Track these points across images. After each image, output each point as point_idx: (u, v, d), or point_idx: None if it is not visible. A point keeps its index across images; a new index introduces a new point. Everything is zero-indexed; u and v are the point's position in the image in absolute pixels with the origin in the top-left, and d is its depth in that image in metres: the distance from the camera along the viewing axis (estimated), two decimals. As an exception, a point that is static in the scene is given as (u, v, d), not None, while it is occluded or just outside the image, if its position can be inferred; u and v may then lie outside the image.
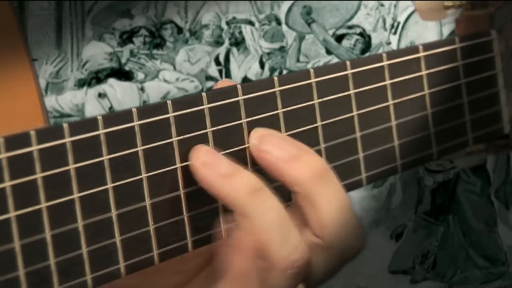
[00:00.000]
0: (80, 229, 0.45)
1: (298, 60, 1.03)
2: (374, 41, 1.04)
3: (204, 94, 0.50)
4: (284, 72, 1.03)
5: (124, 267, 0.47)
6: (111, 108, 0.99)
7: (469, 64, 0.62)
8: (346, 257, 0.55)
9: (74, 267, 0.45)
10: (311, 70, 0.55)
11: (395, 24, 1.04)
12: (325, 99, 0.55)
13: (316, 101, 0.55)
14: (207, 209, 0.50)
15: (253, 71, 1.02)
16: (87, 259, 0.46)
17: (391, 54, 0.58)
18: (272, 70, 1.02)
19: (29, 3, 0.96)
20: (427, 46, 0.60)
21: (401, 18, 1.04)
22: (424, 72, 0.60)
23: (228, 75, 1.02)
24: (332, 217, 0.53)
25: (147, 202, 0.48)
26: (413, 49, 0.59)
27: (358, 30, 1.03)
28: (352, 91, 0.56)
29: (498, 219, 1.07)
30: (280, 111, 0.53)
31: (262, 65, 1.02)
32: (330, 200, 0.53)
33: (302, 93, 0.54)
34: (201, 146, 0.51)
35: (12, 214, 0.43)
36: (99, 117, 0.46)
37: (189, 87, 1.01)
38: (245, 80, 1.02)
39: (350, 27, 1.03)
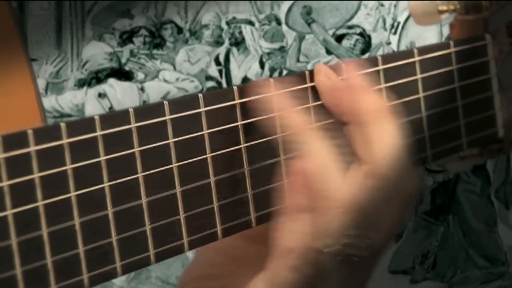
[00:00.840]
0: (76, 227, 0.45)
1: (298, 60, 1.03)
2: (374, 41, 1.04)
3: (200, 95, 0.50)
4: (284, 72, 1.03)
5: (120, 266, 0.47)
6: (111, 108, 0.99)
7: (464, 68, 0.62)
8: (402, 194, 0.55)
9: (70, 266, 0.45)
10: (307, 72, 0.55)
11: (395, 24, 1.04)
12: (318, 102, 0.55)
13: (311, 104, 0.55)
14: (203, 209, 0.50)
15: (253, 71, 1.02)
16: (84, 258, 0.46)
17: (386, 58, 0.58)
18: (272, 70, 1.03)
19: (29, 3, 0.96)
20: (422, 50, 0.60)
21: (401, 18, 1.04)
22: (419, 76, 0.60)
23: (228, 75, 1.02)
24: (386, 149, 0.54)
25: (143, 201, 0.48)
26: (408, 53, 0.60)
27: (358, 30, 1.04)
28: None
29: (498, 219, 1.07)
30: (276, 114, 0.54)
31: (262, 65, 1.02)
32: (387, 133, 0.54)
33: (297, 97, 0.54)
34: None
35: (10, 212, 0.43)
36: (96, 117, 0.46)
37: (189, 87, 1.01)
38: (245, 80, 1.02)
39: (350, 27, 1.03)
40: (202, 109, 0.50)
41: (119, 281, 1.02)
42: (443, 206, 1.08)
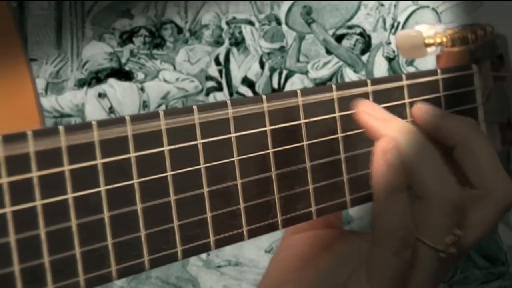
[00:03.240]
0: (73, 229, 0.46)
1: (298, 60, 1.03)
2: (374, 41, 1.04)
3: (195, 107, 0.51)
4: (284, 72, 1.03)
5: (115, 271, 0.47)
6: (111, 108, 1.00)
7: (451, 96, 0.63)
8: (503, 204, 0.58)
9: (67, 267, 0.46)
10: (298, 91, 0.56)
11: (395, 24, 1.04)
12: (311, 119, 0.56)
13: (302, 121, 0.56)
14: (197, 219, 0.51)
15: (253, 71, 1.02)
16: (80, 260, 0.46)
17: (375, 81, 0.59)
18: (272, 70, 1.03)
19: (29, 3, 0.97)
20: (410, 76, 0.61)
21: (401, 18, 1.04)
22: (407, 100, 0.61)
23: (228, 75, 1.02)
24: (489, 164, 0.58)
25: (138, 207, 0.48)
26: (396, 77, 0.61)
27: (358, 30, 1.04)
28: (337, 114, 0.57)
29: (498, 219, 1.07)
30: (267, 128, 0.54)
31: (262, 65, 1.03)
32: (487, 147, 0.58)
33: (289, 113, 0.55)
34: (362, 100, 0.58)
35: (9, 209, 0.43)
36: (94, 122, 0.47)
37: (189, 87, 1.01)
38: (245, 80, 1.03)
39: (350, 27, 1.03)
40: (197, 120, 0.51)
41: (119, 281, 1.02)
42: (443, 206, 1.08)
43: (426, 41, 0.66)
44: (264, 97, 0.54)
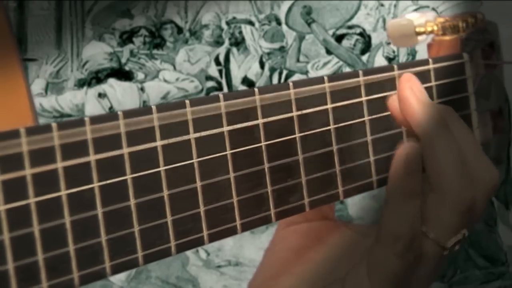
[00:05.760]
0: (67, 226, 0.46)
1: (298, 60, 1.03)
2: (374, 41, 1.04)
3: (187, 101, 0.51)
4: (284, 72, 1.03)
5: (109, 267, 0.47)
6: (111, 108, 1.00)
7: (442, 85, 0.63)
8: (487, 192, 0.58)
9: (61, 264, 0.46)
10: (290, 83, 0.56)
11: (395, 24, 1.04)
12: (303, 112, 0.56)
13: (294, 113, 0.56)
14: (190, 214, 0.51)
15: (253, 71, 1.02)
16: (74, 257, 0.46)
17: (367, 72, 0.59)
18: (272, 70, 1.03)
19: (29, 3, 0.97)
20: (402, 66, 0.61)
21: (401, 18, 1.04)
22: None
23: (228, 75, 1.02)
24: (447, 166, 0.56)
25: (132, 203, 0.48)
26: (388, 68, 0.60)
27: (358, 30, 1.04)
28: (329, 106, 0.57)
29: (498, 219, 1.07)
30: (260, 121, 0.54)
31: (262, 65, 1.03)
32: (448, 148, 0.56)
33: (281, 105, 0.55)
34: (409, 75, 0.58)
35: (2, 207, 0.43)
36: (87, 119, 0.47)
37: (189, 87, 1.02)
38: (245, 80, 1.03)
39: (350, 27, 1.03)
40: (190, 115, 0.51)
41: (119, 281, 1.02)
42: (443, 206, 1.07)
43: (417, 29, 0.66)
44: (256, 90, 0.54)
